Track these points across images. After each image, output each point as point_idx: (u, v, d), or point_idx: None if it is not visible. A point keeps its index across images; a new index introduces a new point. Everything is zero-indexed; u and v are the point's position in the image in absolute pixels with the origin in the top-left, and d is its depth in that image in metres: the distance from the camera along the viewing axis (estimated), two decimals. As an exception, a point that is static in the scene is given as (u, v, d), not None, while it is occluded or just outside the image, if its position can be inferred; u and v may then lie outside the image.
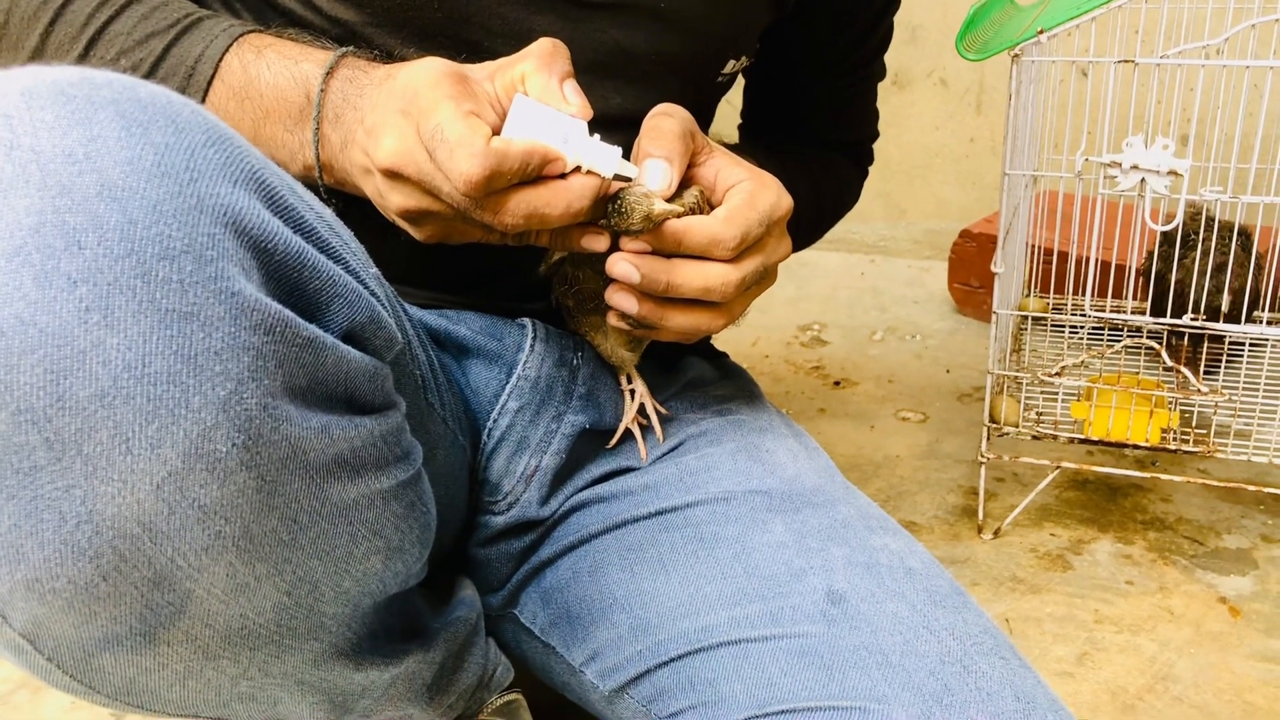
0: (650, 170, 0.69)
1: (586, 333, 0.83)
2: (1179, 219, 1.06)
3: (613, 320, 0.76)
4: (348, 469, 0.54)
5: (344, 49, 0.72)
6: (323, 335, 0.51)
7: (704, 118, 0.96)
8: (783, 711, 0.69)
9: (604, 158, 0.66)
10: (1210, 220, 1.21)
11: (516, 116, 0.64)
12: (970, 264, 1.81)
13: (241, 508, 0.48)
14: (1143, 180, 1.07)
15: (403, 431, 0.60)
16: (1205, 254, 1.14)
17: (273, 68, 0.70)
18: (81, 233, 0.45)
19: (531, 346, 0.83)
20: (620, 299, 0.72)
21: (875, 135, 1.07)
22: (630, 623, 0.77)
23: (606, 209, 0.69)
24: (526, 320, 0.84)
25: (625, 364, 0.84)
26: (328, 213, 0.58)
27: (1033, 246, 1.48)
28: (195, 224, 0.47)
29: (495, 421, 0.82)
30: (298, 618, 0.56)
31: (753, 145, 0.93)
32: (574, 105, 0.65)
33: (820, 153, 1.01)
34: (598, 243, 0.70)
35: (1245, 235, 1.23)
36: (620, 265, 0.70)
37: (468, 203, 0.63)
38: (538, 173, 0.64)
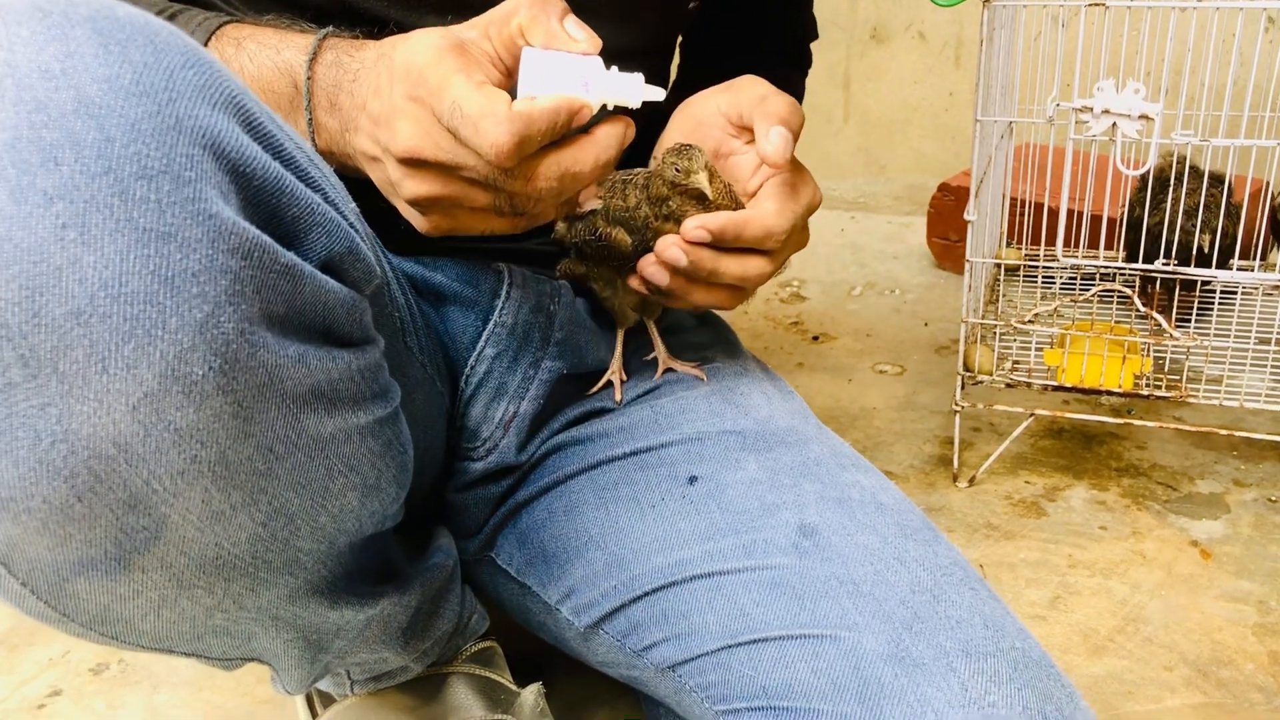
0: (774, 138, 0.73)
1: (595, 281, 0.82)
2: (1150, 163, 1.06)
3: (634, 284, 0.78)
4: (325, 401, 0.54)
5: (324, 30, 0.70)
6: (301, 263, 0.51)
7: (671, 48, 0.95)
8: (755, 641, 0.70)
9: (628, 89, 0.66)
10: (1184, 165, 1.21)
11: (529, 71, 0.63)
12: (949, 218, 1.81)
13: (218, 433, 0.48)
14: (1114, 125, 1.06)
15: (380, 369, 0.60)
16: (1177, 200, 1.14)
17: (255, 59, 0.69)
18: (58, 149, 0.44)
19: (508, 293, 0.83)
20: (654, 271, 0.75)
21: (814, 35, 1.06)
22: (605, 559, 0.78)
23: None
24: (503, 266, 0.84)
25: (626, 321, 0.85)
26: (307, 145, 0.57)
27: (1011, 199, 1.48)
28: (173, 144, 0.46)
29: (473, 368, 0.82)
30: (273, 550, 0.56)
31: (698, 66, 0.93)
32: (582, 41, 0.64)
33: (763, 60, 1.00)
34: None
35: (1218, 180, 1.23)
36: (672, 251, 0.73)
37: (500, 175, 0.62)
38: (567, 128, 0.63)
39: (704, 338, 0.95)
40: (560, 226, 0.81)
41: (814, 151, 2.21)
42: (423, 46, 0.63)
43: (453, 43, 0.63)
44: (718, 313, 1.01)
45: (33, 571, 0.50)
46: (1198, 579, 1.10)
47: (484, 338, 0.82)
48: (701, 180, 0.73)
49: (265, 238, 0.49)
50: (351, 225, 0.57)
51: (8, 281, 0.43)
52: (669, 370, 0.87)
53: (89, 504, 0.47)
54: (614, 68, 0.65)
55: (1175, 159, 1.20)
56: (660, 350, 0.86)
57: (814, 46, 1.07)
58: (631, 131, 0.66)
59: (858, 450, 0.84)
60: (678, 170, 0.74)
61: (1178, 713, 0.93)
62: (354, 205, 0.60)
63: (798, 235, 0.78)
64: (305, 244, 0.53)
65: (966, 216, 1.15)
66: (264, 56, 0.69)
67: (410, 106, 0.62)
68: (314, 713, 0.87)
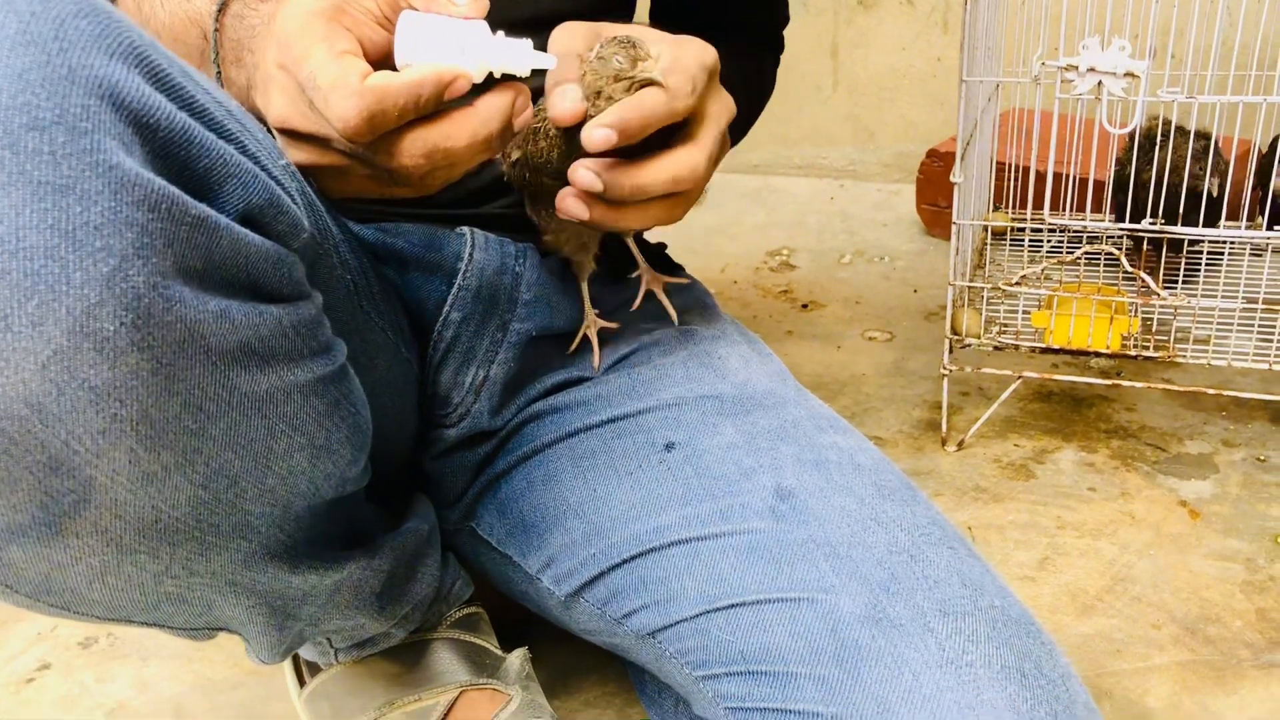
0: (559, 96, 0.65)
1: (541, 225, 0.79)
2: (1137, 121, 1.05)
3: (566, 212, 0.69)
4: (255, 358, 0.53)
5: None
6: (214, 215, 0.50)
7: (628, 15, 0.94)
8: (732, 605, 0.70)
9: (513, 55, 0.60)
10: (1169, 125, 1.20)
11: (404, 37, 0.59)
12: (938, 184, 1.80)
13: (137, 390, 0.47)
14: (1100, 83, 1.06)
15: (318, 324, 0.58)
16: (1164, 159, 1.13)
17: (167, 5, 0.67)
18: None
19: (470, 255, 0.82)
20: (572, 205, 0.68)
21: (787, 18, 1.04)
22: (584, 528, 0.78)
23: (584, 73, 0.64)
24: (465, 229, 0.83)
25: (584, 271, 0.82)
26: (232, 102, 0.56)
27: (999, 163, 1.47)
28: (66, 94, 0.45)
29: (439, 333, 0.82)
30: (219, 514, 0.55)
31: None
32: (461, 4, 0.60)
33: (734, 40, 0.99)
34: (567, 110, 0.64)
35: (1205, 137, 1.22)
36: (581, 173, 0.66)
37: (358, 149, 0.59)
38: (436, 102, 0.59)
39: (680, 300, 0.94)
40: (504, 169, 0.76)
41: (802, 120, 2.20)
42: (297, 10, 0.60)
43: (326, 6, 0.60)
44: (695, 275, 1.01)
45: None
46: (1186, 538, 1.10)
47: (449, 302, 0.81)
48: (653, 68, 0.63)
49: (173, 189, 0.48)
50: (274, 178, 0.55)
51: None
52: (650, 297, 0.84)
53: (6, 466, 0.46)
54: (500, 33, 0.60)
55: (1161, 119, 1.20)
56: (643, 266, 0.84)
57: (801, 13, 1.06)
58: (524, 100, 0.62)
59: (846, 417, 0.84)
60: (620, 61, 0.64)
61: (1166, 670, 0.93)
62: (286, 162, 0.59)
63: (716, 99, 0.70)
64: (220, 196, 0.52)
65: (952, 179, 1.14)
66: (174, 3, 0.67)
67: (279, 74, 0.60)
68: (302, 682, 0.87)
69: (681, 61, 0.66)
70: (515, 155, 0.74)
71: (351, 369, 0.63)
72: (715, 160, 0.70)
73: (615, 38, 0.65)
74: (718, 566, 0.71)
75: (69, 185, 0.45)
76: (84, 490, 0.48)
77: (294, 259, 0.56)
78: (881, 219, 1.95)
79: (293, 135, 0.61)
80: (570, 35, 0.67)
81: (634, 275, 0.85)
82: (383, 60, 0.60)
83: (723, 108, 0.71)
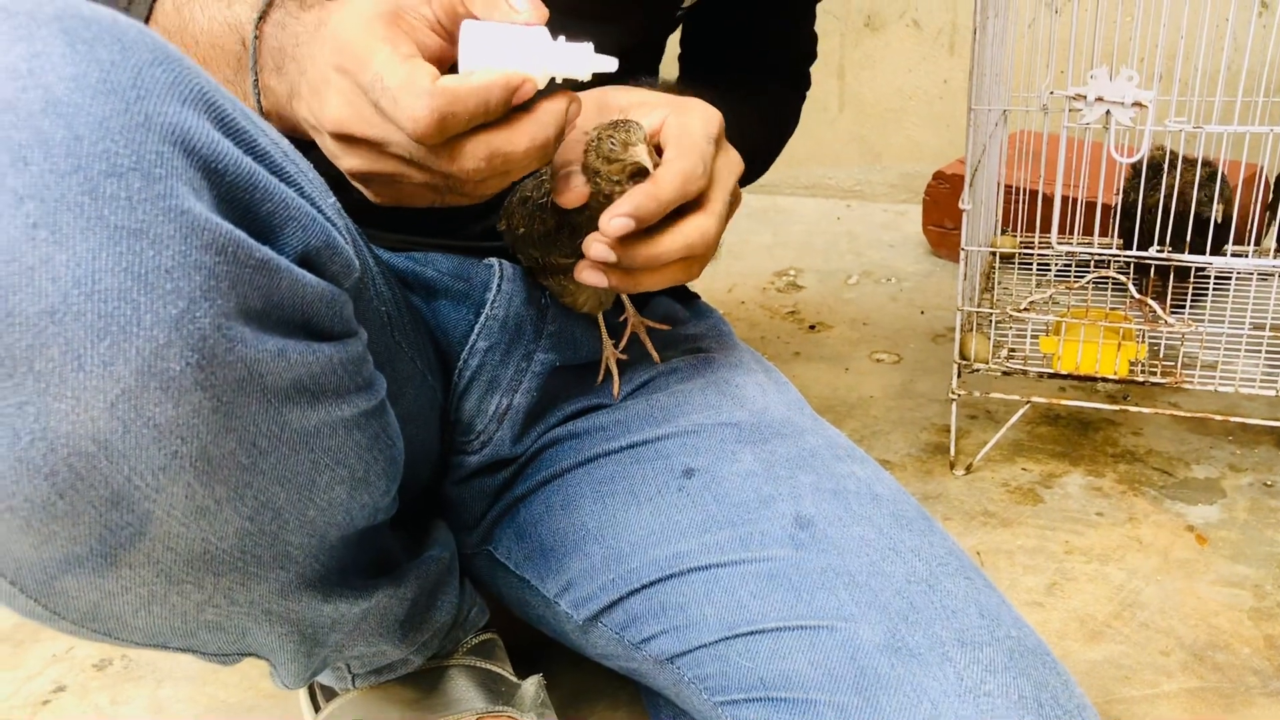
0: (563, 181, 0.68)
1: (553, 289, 0.81)
2: (1144, 150, 1.06)
3: (582, 280, 0.71)
4: (307, 395, 0.55)
5: None
6: (276, 258, 0.51)
7: (657, 54, 0.95)
8: (752, 632, 0.71)
9: (576, 60, 0.61)
10: (1176, 155, 1.21)
11: (468, 44, 0.60)
12: (944, 205, 1.81)
13: (198, 428, 0.49)
14: (1108, 113, 1.07)
15: (364, 361, 0.60)
16: (1170, 187, 1.14)
17: (206, 10, 0.68)
18: (27, 149, 0.44)
19: (499, 286, 0.83)
20: (589, 275, 0.69)
21: (813, 56, 1.06)
22: (603, 553, 0.78)
23: (586, 152, 0.67)
24: (494, 260, 0.84)
25: (596, 313, 0.84)
26: (284, 141, 0.57)
27: (1006, 187, 1.48)
28: (143, 141, 0.47)
29: (465, 362, 0.83)
30: (262, 545, 0.57)
31: (693, 82, 0.92)
32: (523, 11, 0.60)
33: (758, 79, 1.00)
34: (571, 196, 0.68)
35: (1210, 166, 1.23)
36: (596, 247, 0.67)
37: (422, 152, 0.59)
38: (504, 107, 0.59)
39: (698, 329, 0.95)
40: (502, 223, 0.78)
41: (809, 140, 2.21)
42: (354, 14, 0.60)
43: (385, 10, 0.60)
44: (711, 304, 1.02)
45: (20, 570, 0.51)
46: (1194, 564, 1.10)
47: (476, 331, 0.82)
48: (640, 154, 0.66)
49: (239, 233, 0.49)
50: (329, 219, 0.57)
51: None
52: (638, 336, 0.86)
53: (70, 501, 0.47)
54: (561, 38, 0.61)
55: (1166, 148, 1.21)
56: (629, 310, 0.85)
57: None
58: (577, 108, 0.63)
59: (854, 439, 0.84)
60: (614, 144, 0.67)
61: (1174, 697, 0.93)
62: (333, 200, 0.60)
63: (725, 162, 0.71)
64: (281, 239, 0.53)
65: (961, 205, 1.15)
66: (215, 9, 0.67)
67: (337, 78, 0.60)
68: (316, 707, 0.88)
69: (690, 138, 0.68)
70: (520, 230, 0.75)
71: (389, 402, 0.64)
72: (726, 220, 0.72)
73: (613, 120, 0.67)
74: (737, 593, 0.72)
75: (143, 230, 0.46)
76: (141, 524, 0.50)
77: (346, 298, 0.57)
78: (888, 239, 1.96)
79: (349, 140, 0.61)
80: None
81: (620, 319, 0.86)
82: (437, 67, 0.60)
83: (730, 168, 0.72)
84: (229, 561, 0.56)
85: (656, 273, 0.70)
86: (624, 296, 0.85)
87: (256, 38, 0.66)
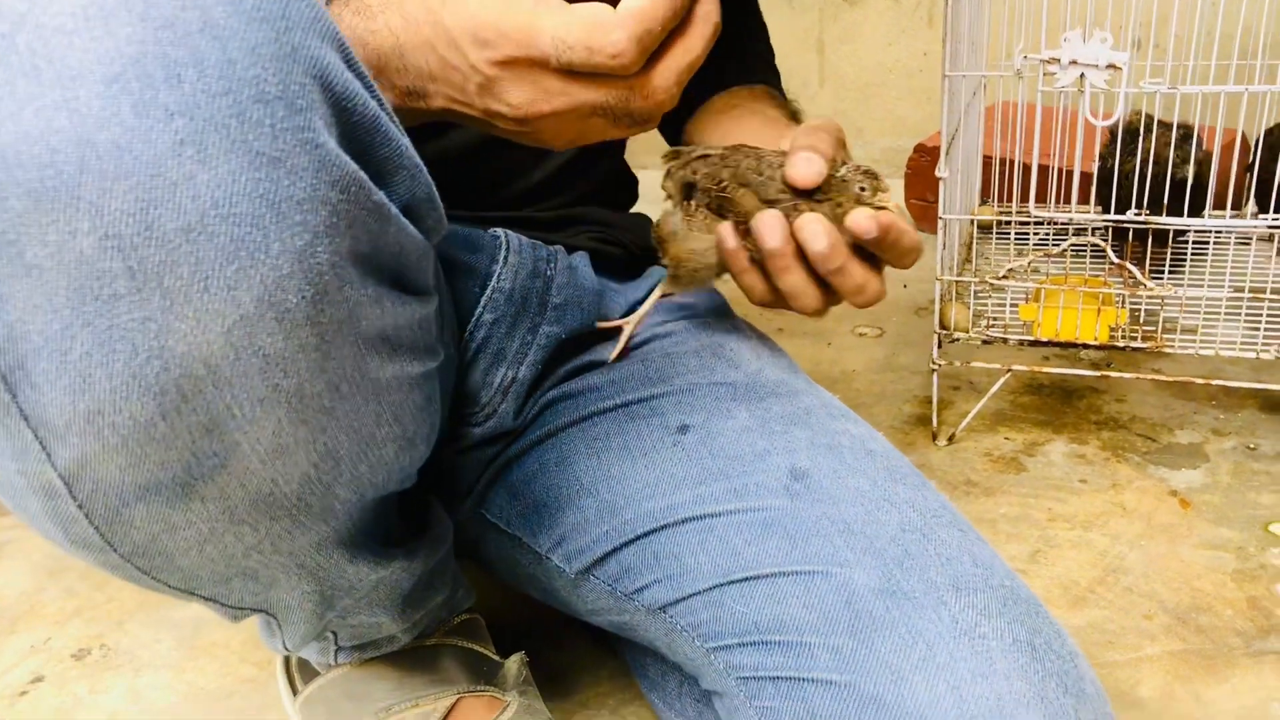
0: (804, 161, 0.71)
1: (683, 241, 0.79)
2: (1119, 113, 1.06)
3: (730, 244, 0.74)
4: (389, 346, 0.55)
5: None
6: (388, 203, 0.51)
7: None
8: (746, 579, 0.71)
9: None
10: (1152, 118, 1.20)
11: None
12: (926, 178, 1.80)
13: (300, 364, 0.49)
14: (1082, 76, 1.06)
15: (433, 322, 0.60)
16: (1146, 150, 1.13)
17: None
18: (182, 66, 0.44)
19: (505, 259, 0.83)
20: (812, 231, 0.70)
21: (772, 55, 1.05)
22: (596, 506, 0.79)
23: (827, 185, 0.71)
24: (500, 231, 0.84)
25: (689, 284, 0.83)
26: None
27: (986, 157, 1.48)
28: (289, 71, 0.47)
29: (472, 334, 0.82)
30: (316, 494, 0.57)
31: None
32: None
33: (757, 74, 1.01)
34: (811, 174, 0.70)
35: (1185, 128, 1.22)
36: (814, 226, 0.69)
37: (627, 91, 0.59)
38: (685, 6, 0.59)
39: (691, 296, 0.95)
40: (675, 167, 0.78)
41: (790, 117, 2.20)
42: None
43: None
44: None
45: (95, 493, 0.50)
46: (1177, 528, 1.10)
47: (482, 303, 0.82)
48: (887, 200, 0.72)
49: (362, 174, 0.49)
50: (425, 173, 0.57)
51: (125, 192, 0.43)
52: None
53: (171, 423, 0.47)
54: None
55: (1142, 112, 1.20)
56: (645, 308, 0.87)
57: (786, 10, 1.08)
58: None
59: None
60: (863, 190, 0.71)
61: (1158, 660, 0.93)
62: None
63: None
64: (391, 185, 0.53)
65: (938, 173, 1.15)
66: None
67: (503, 72, 0.59)
68: (294, 689, 0.87)
69: (913, 231, 0.73)
70: (704, 151, 0.76)
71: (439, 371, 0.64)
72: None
73: (860, 167, 0.72)
74: (732, 541, 0.72)
75: (281, 158, 0.46)
76: (226, 455, 0.50)
77: (434, 254, 0.58)
78: (870, 214, 1.95)
79: (540, 118, 0.61)
80: (819, 139, 0.74)
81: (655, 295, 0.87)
82: None
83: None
84: (287, 507, 0.56)
85: (818, 290, 0.73)
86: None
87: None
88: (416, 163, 0.54)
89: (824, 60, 2.06)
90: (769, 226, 0.71)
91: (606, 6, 0.57)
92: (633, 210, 1.03)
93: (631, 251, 0.94)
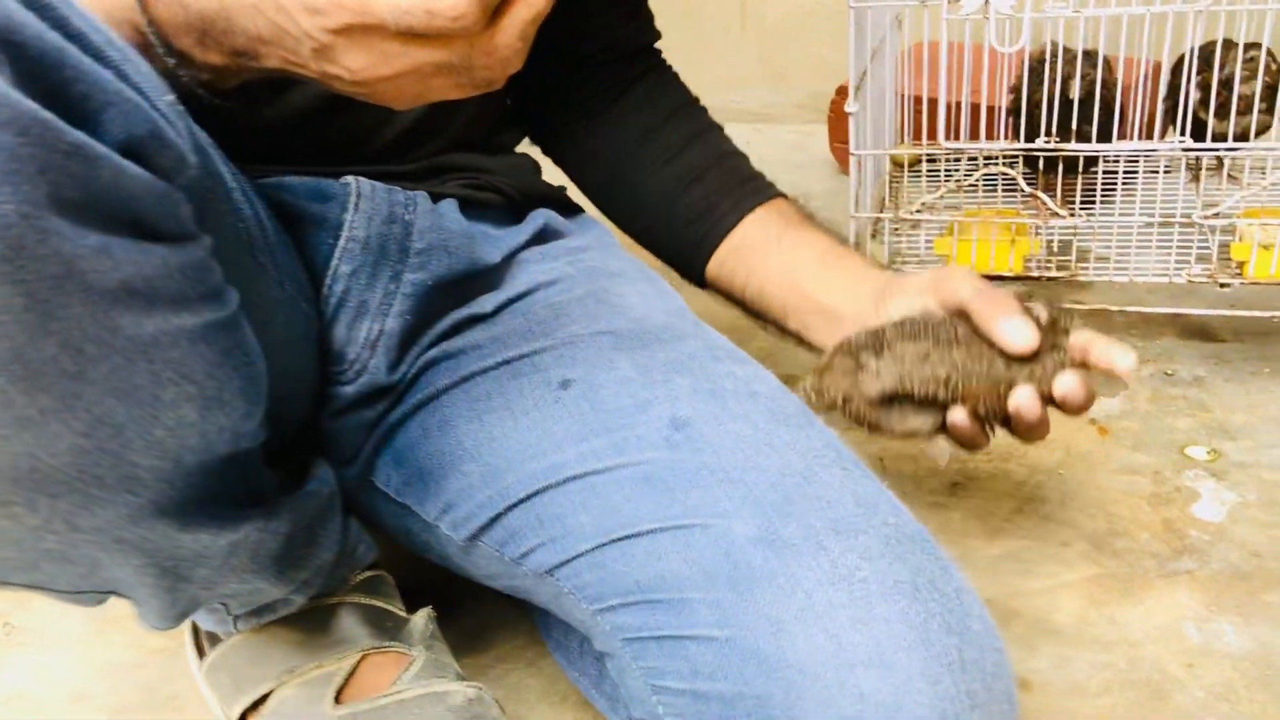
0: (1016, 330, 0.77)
1: (892, 423, 0.82)
2: (1025, 37, 1.05)
3: (968, 428, 0.80)
4: (139, 299, 0.50)
5: None
6: (93, 143, 0.47)
7: None
8: (627, 536, 0.69)
9: None
10: (1056, 46, 1.19)
11: None
12: (848, 122, 1.78)
13: (9, 326, 0.45)
14: (987, 2, 1.05)
15: (208, 269, 0.56)
16: (1054, 78, 1.13)
17: None
18: None
19: (356, 206, 0.80)
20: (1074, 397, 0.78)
21: (659, 35, 1.03)
22: (479, 470, 0.76)
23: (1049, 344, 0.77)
24: (350, 178, 0.81)
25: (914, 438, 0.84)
26: (111, 31, 0.52)
27: (914, 97, 1.46)
28: None
29: (330, 287, 0.79)
30: (103, 465, 0.53)
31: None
32: None
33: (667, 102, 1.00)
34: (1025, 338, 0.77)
35: (1091, 55, 1.22)
36: (1034, 404, 0.78)
37: (467, 48, 0.56)
38: None
39: (582, 240, 0.93)
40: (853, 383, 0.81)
41: (714, 63, 2.17)
42: None
43: None
44: (601, 218, 1.00)
45: None
46: (1094, 456, 1.10)
47: (336, 254, 0.79)
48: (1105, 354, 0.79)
49: (46, 113, 0.45)
50: (158, 110, 0.52)
51: None
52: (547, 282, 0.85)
53: None
54: None
55: (1049, 40, 1.19)
56: None
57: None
58: None
59: (761, 357, 0.83)
60: (1066, 334, 0.78)
61: (1074, 586, 0.93)
62: (171, 97, 0.55)
63: None
64: (99, 124, 0.49)
65: (847, 109, 1.13)
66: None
67: (338, 39, 0.56)
68: (202, 655, 0.85)
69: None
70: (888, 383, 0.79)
71: (244, 319, 0.60)
72: None
73: (1056, 305, 0.80)
74: (612, 499, 0.71)
75: None
76: None
77: (179, 196, 0.53)
78: (796, 160, 1.94)
79: (379, 81, 0.58)
80: (998, 298, 0.79)
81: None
82: None
83: None
84: (65, 482, 0.52)
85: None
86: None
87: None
88: (131, 98, 0.50)
89: (745, 4, 2.03)
90: (1032, 408, 0.78)
91: None
92: (518, 150, 1.00)
93: (510, 197, 0.91)
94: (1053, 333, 0.77)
